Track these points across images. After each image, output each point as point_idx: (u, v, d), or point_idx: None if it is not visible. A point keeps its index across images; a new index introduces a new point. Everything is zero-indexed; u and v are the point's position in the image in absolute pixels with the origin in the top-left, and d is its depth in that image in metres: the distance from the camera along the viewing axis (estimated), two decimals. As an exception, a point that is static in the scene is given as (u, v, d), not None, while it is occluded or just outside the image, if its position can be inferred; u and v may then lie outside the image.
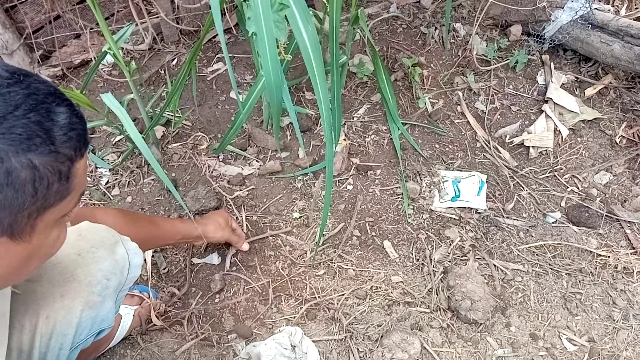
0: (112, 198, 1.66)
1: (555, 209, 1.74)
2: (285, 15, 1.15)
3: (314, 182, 1.72)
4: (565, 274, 1.58)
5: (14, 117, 0.53)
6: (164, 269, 1.53)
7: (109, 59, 1.94)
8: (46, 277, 0.91)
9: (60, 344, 0.91)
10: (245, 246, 1.55)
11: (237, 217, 1.63)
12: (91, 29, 1.87)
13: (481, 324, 1.45)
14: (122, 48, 1.95)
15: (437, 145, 1.86)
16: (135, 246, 1.08)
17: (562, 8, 1.92)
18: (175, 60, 2.01)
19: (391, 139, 1.83)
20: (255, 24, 1.05)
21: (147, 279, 1.49)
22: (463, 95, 1.97)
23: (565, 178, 1.82)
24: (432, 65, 2.04)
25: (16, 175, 0.53)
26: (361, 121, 1.87)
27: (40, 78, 0.59)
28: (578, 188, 1.80)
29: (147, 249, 1.41)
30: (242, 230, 1.59)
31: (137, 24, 1.82)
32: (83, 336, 0.95)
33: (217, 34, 2.06)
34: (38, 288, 0.90)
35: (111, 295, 0.99)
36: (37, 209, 0.58)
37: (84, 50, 1.91)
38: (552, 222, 1.70)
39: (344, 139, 1.79)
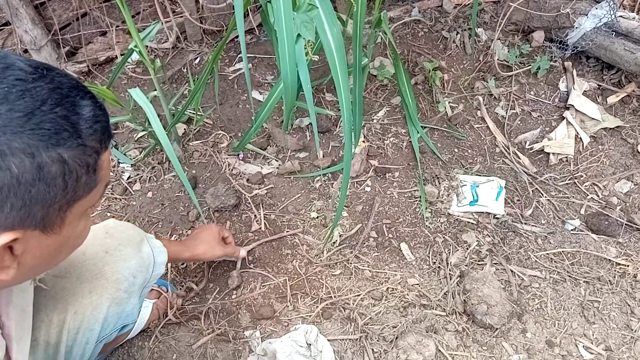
0: (133, 193, 1.69)
1: (575, 216, 1.73)
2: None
3: (332, 183, 1.73)
4: (583, 281, 1.57)
5: (41, 112, 0.54)
6: (183, 264, 1.55)
7: (133, 56, 1.98)
8: (75, 274, 0.93)
9: (87, 338, 0.94)
10: (242, 253, 1.49)
11: (255, 215, 1.64)
12: (117, 26, 1.91)
13: (497, 328, 1.45)
14: (147, 46, 1.99)
15: (456, 150, 1.86)
16: (160, 244, 1.10)
17: (586, 15, 1.91)
18: (198, 59, 2.04)
19: (410, 142, 1.83)
20: (276, 24, 1.07)
21: (167, 273, 1.51)
22: (483, 100, 1.97)
23: (586, 186, 1.81)
24: (452, 69, 2.04)
25: (47, 170, 0.54)
26: (381, 123, 1.88)
27: (62, 72, 0.60)
28: (598, 196, 1.78)
29: None
30: (260, 226, 1.61)
31: (162, 23, 1.85)
32: (108, 331, 0.98)
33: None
34: (67, 284, 0.92)
35: (136, 292, 1.01)
36: (67, 202, 0.59)
37: (109, 48, 1.94)
38: (571, 230, 1.69)
39: (363, 141, 1.80)
